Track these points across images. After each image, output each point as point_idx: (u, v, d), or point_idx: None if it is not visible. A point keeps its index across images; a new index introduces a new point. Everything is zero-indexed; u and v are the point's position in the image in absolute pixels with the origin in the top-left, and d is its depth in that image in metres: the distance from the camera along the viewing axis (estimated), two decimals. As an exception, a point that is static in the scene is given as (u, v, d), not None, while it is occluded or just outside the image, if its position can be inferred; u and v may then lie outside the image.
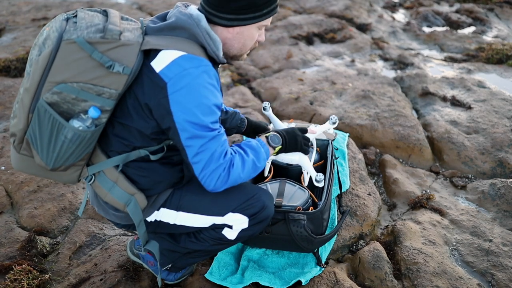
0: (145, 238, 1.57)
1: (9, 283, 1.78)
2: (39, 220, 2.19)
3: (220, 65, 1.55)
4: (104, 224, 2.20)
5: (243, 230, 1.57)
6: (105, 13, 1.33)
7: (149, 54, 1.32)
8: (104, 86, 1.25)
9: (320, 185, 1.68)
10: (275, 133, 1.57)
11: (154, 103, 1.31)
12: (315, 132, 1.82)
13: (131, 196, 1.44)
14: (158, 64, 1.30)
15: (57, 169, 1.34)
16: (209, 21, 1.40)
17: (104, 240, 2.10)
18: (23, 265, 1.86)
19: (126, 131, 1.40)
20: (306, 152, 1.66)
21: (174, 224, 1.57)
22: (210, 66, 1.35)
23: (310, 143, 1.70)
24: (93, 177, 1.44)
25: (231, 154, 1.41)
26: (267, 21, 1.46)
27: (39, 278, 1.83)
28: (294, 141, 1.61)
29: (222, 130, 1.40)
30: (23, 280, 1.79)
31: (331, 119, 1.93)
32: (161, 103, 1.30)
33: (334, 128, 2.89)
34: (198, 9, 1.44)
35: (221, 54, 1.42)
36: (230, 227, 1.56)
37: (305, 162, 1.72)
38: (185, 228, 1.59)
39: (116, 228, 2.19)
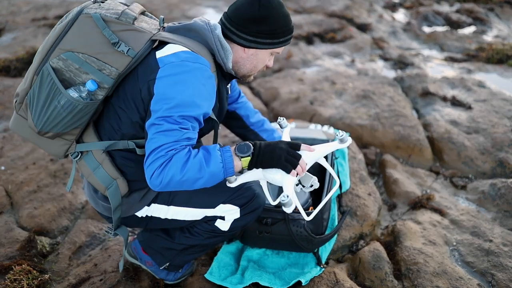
0: (117, 223, 1.55)
1: (9, 283, 1.78)
2: (39, 220, 2.19)
3: (230, 79, 1.56)
4: (104, 224, 2.20)
5: (235, 221, 1.58)
6: (127, 5, 1.41)
7: (158, 47, 1.37)
8: (106, 63, 1.31)
9: (286, 210, 1.35)
10: (247, 142, 1.37)
11: (144, 84, 1.34)
12: (312, 150, 1.43)
13: (114, 180, 1.46)
14: (161, 52, 1.35)
15: (44, 134, 1.37)
16: (228, 37, 1.44)
17: (104, 240, 2.10)
18: (23, 265, 1.86)
19: (117, 116, 1.42)
20: (287, 169, 1.37)
21: (166, 219, 1.58)
22: (207, 68, 1.34)
23: (298, 163, 1.37)
24: (80, 154, 1.47)
25: (177, 150, 1.28)
26: (280, 49, 1.49)
27: (39, 278, 1.83)
28: (271, 153, 1.36)
29: (189, 130, 1.31)
30: (23, 280, 1.79)
31: (337, 135, 1.45)
32: (149, 84, 1.33)
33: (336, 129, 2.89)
34: (218, 23, 1.47)
35: (229, 64, 1.43)
36: (223, 218, 1.57)
37: (286, 183, 1.37)
38: (177, 222, 1.60)
39: (116, 228, 2.19)
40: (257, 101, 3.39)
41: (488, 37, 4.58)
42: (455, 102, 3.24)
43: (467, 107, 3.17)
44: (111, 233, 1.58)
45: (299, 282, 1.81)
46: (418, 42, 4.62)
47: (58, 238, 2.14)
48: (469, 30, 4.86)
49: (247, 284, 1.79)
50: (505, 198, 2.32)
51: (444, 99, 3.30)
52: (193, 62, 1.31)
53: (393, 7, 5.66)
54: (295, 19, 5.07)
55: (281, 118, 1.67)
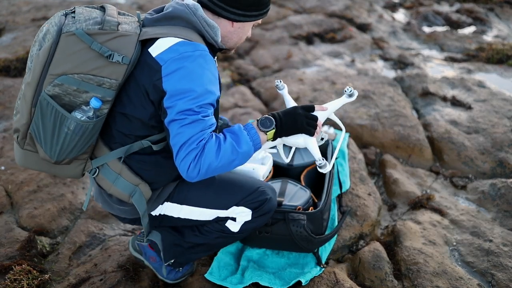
0: (148, 229, 1.57)
1: (9, 283, 1.78)
2: (39, 220, 2.19)
3: (216, 56, 1.57)
4: (104, 224, 2.20)
5: (246, 223, 1.60)
6: (102, 9, 1.36)
7: (146, 43, 1.35)
8: (104, 77, 1.28)
9: (323, 171, 1.46)
10: (267, 116, 1.42)
11: (150, 86, 1.32)
12: (325, 109, 1.55)
13: (136, 186, 1.46)
14: (155, 50, 1.32)
15: (61, 162, 1.35)
16: (215, 13, 1.42)
17: (104, 240, 2.10)
18: (23, 265, 1.86)
19: (127, 121, 1.41)
20: (310, 133, 1.46)
21: (179, 218, 1.60)
22: (206, 51, 1.36)
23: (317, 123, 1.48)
24: (97, 170, 1.46)
25: (206, 139, 1.31)
26: (260, 20, 1.53)
27: (39, 278, 1.83)
28: (293, 121, 1.43)
29: (210, 116, 1.34)
30: (23, 280, 1.79)
31: (346, 90, 1.57)
32: (156, 84, 1.31)
33: (334, 128, 2.89)
34: (196, 1, 1.46)
35: (219, 39, 1.45)
36: (234, 219, 1.59)
37: (311, 144, 1.49)
38: (189, 222, 1.61)
39: (116, 228, 2.19)
40: (257, 101, 3.39)
41: (488, 37, 4.58)
42: (455, 102, 3.24)
43: (467, 107, 3.17)
44: (143, 241, 1.59)
45: (299, 282, 1.81)
46: (418, 42, 4.62)
47: (58, 238, 2.14)
48: (469, 30, 4.86)
49: (247, 284, 1.79)
50: (505, 198, 2.32)
51: (444, 99, 3.30)
52: (193, 51, 1.31)
53: (393, 7, 5.66)
54: (295, 19, 5.07)
55: (278, 80, 1.71)
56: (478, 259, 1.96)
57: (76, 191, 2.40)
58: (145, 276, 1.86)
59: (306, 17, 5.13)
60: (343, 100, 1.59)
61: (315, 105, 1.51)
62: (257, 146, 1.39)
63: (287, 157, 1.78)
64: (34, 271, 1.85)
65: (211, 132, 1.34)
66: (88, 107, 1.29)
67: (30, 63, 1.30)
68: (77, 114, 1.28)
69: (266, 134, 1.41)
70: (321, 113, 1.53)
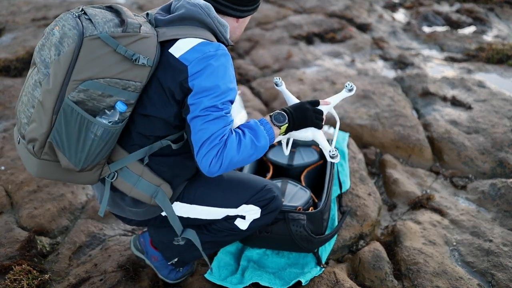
0: (180, 227, 1.56)
1: (9, 283, 1.78)
2: (39, 220, 2.19)
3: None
4: (104, 224, 2.20)
5: (254, 220, 1.63)
6: (110, 9, 1.34)
7: (165, 43, 1.35)
8: (130, 80, 1.27)
9: (335, 161, 1.52)
10: (279, 111, 1.49)
11: (176, 86, 1.33)
12: (329, 103, 1.65)
13: (157, 187, 1.46)
14: (177, 51, 1.33)
15: (85, 169, 1.33)
16: (221, 12, 1.46)
17: (104, 240, 2.10)
18: (23, 265, 1.86)
19: (147, 122, 1.41)
20: (318, 126, 1.55)
21: (188, 218, 1.60)
22: (226, 50, 1.39)
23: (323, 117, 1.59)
24: (116, 174, 1.44)
25: (227, 135, 1.35)
26: None
27: (39, 278, 1.83)
28: (303, 116, 1.52)
29: (230, 113, 1.38)
30: (23, 280, 1.79)
31: (347, 86, 1.69)
32: (182, 84, 1.32)
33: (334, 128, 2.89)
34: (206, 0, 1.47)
35: (229, 37, 1.49)
36: (243, 217, 1.62)
37: (319, 137, 1.57)
38: (198, 221, 1.62)
39: (116, 228, 2.19)
40: (257, 101, 3.39)
41: (488, 37, 4.58)
42: (455, 102, 3.24)
43: (467, 107, 3.17)
44: (179, 240, 1.59)
45: (299, 282, 1.81)
46: (418, 42, 4.62)
47: (58, 238, 2.14)
48: (469, 30, 4.86)
49: (247, 284, 1.79)
50: (505, 198, 2.32)
51: (444, 99, 3.30)
52: (215, 50, 1.34)
53: (393, 7, 5.66)
54: (295, 19, 5.07)
55: (277, 77, 1.78)
56: (478, 259, 1.96)
57: (76, 191, 2.40)
58: (145, 276, 1.86)
59: (306, 17, 5.13)
60: (344, 94, 1.69)
61: (319, 100, 1.59)
62: (271, 140, 1.44)
63: (286, 149, 1.87)
64: (34, 271, 1.85)
65: (230, 128, 1.37)
66: (112, 111, 1.27)
67: (44, 68, 1.25)
68: (104, 119, 1.26)
69: (280, 129, 1.47)
70: (325, 107, 1.61)
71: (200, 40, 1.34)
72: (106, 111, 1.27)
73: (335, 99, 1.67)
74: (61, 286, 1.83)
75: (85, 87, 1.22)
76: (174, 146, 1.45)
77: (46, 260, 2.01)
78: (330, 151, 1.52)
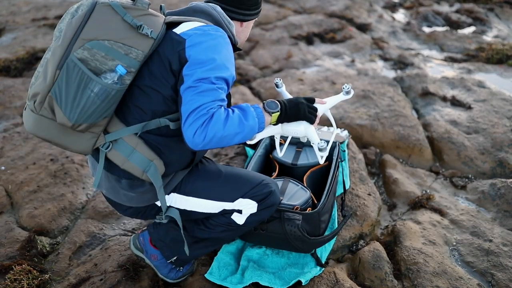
0: (165, 205, 1.57)
1: (9, 283, 1.78)
2: (39, 220, 2.19)
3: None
4: (104, 224, 2.20)
5: (251, 215, 1.63)
6: None
7: (171, 27, 1.45)
8: (132, 46, 1.34)
9: (323, 154, 1.56)
10: (272, 100, 1.53)
11: (174, 56, 1.40)
12: (324, 103, 1.66)
13: (151, 161, 1.47)
14: (180, 29, 1.43)
15: (78, 126, 1.36)
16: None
17: (104, 240, 2.10)
18: (23, 265, 1.86)
19: (146, 95, 1.44)
20: (311, 120, 1.58)
21: (185, 210, 1.61)
22: (227, 36, 1.47)
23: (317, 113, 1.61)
24: (110, 144, 1.46)
25: (215, 109, 1.35)
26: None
27: (39, 278, 1.83)
28: (296, 108, 1.55)
29: (223, 92, 1.39)
30: (23, 280, 1.79)
31: (344, 88, 1.68)
32: (180, 53, 1.39)
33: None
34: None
35: (235, 36, 1.59)
36: (240, 212, 1.62)
37: (311, 132, 1.58)
38: (194, 214, 1.63)
39: (116, 228, 2.19)
40: (257, 101, 3.39)
41: (488, 37, 4.58)
42: (455, 102, 3.24)
43: (467, 107, 3.17)
44: (162, 218, 1.59)
45: (299, 282, 1.81)
46: (418, 42, 4.62)
47: (58, 238, 2.14)
48: (469, 30, 4.86)
49: (247, 284, 1.79)
50: (505, 198, 2.32)
51: (444, 99, 3.30)
52: (215, 31, 1.43)
53: (393, 7, 5.66)
54: (295, 19, 5.07)
55: (278, 78, 1.79)
56: (478, 259, 1.96)
57: (76, 191, 2.41)
58: (145, 276, 1.86)
59: (306, 17, 5.13)
60: (341, 96, 1.70)
61: (315, 98, 1.63)
62: (261, 125, 1.46)
63: (281, 151, 1.90)
64: (34, 271, 1.85)
65: (221, 106, 1.38)
66: (113, 74, 1.33)
67: (58, 32, 1.35)
68: (103, 79, 1.33)
69: (271, 116, 1.50)
70: (320, 106, 1.64)
71: (201, 23, 1.45)
72: (107, 74, 1.33)
73: (332, 101, 1.68)
74: (61, 286, 1.83)
75: (90, 46, 1.31)
76: (172, 126, 1.46)
77: (46, 260, 2.01)
78: (318, 143, 1.55)
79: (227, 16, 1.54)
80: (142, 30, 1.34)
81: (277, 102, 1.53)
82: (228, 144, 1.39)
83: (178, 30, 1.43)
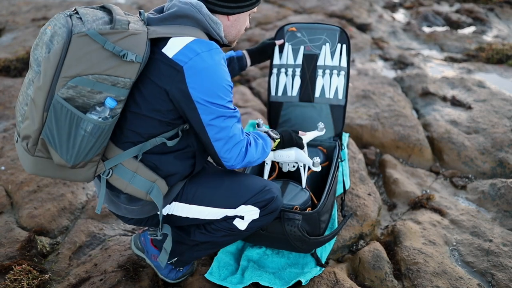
0: (162, 223, 1.59)
1: (9, 283, 1.78)
2: (39, 220, 2.19)
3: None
4: (104, 224, 2.20)
5: (253, 221, 1.62)
6: (103, 9, 1.35)
7: (157, 42, 1.36)
8: (119, 76, 1.27)
9: (317, 169, 1.83)
10: (272, 129, 1.75)
11: (172, 87, 1.35)
12: (305, 135, 1.94)
13: (153, 183, 1.46)
14: (170, 50, 1.35)
15: (77, 165, 1.34)
16: (210, 10, 1.48)
17: (104, 240, 2.10)
18: (23, 265, 1.86)
19: (140, 120, 1.41)
20: (301, 146, 1.82)
21: (187, 217, 1.60)
22: (219, 49, 1.42)
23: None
24: (111, 171, 1.45)
25: (247, 134, 1.54)
26: (256, 8, 1.59)
27: (39, 278, 1.83)
28: (289, 136, 1.78)
29: (236, 109, 1.46)
30: (23, 280, 1.79)
31: (319, 125, 2.00)
32: (179, 87, 1.34)
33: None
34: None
35: (223, 35, 1.51)
36: (242, 217, 1.61)
37: (301, 155, 1.84)
38: (196, 221, 1.62)
39: (116, 228, 2.19)
40: (257, 101, 3.39)
41: (488, 37, 4.59)
42: (455, 102, 3.24)
43: (467, 107, 3.17)
44: (156, 235, 1.60)
45: (299, 282, 1.81)
46: (418, 42, 4.62)
47: (58, 238, 2.14)
48: (469, 30, 4.86)
49: (247, 284, 1.79)
50: (505, 198, 2.32)
51: (444, 99, 3.30)
52: (209, 50, 1.37)
53: (393, 7, 5.66)
54: (295, 19, 5.07)
55: (259, 119, 1.98)
56: (478, 259, 1.96)
57: (76, 191, 2.41)
58: (145, 276, 1.86)
59: (306, 17, 5.13)
60: (316, 133, 1.98)
61: (298, 131, 1.88)
62: (269, 150, 1.66)
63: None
64: (34, 271, 1.85)
65: (248, 134, 1.56)
66: (102, 107, 1.28)
67: (36, 67, 1.27)
68: (94, 115, 1.27)
69: (274, 142, 1.71)
70: (304, 137, 1.91)
71: (192, 38, 1.37)
72: (97, 107, 1.28)
73: (310, 135, 1.95)
74: (61, 286, 1.83)
75: (74, 83, 1.23)
76: (169, 143, 1.45)
77: (46, 260, 2.01)
78: (313, 162, 1.83)
79: (212, 17, 1.45)
80: (126, 58, 1.25)
81: (276, 132, 1.74)
82: (253, 165, 1.61)
83: (168, 51, 1.34)
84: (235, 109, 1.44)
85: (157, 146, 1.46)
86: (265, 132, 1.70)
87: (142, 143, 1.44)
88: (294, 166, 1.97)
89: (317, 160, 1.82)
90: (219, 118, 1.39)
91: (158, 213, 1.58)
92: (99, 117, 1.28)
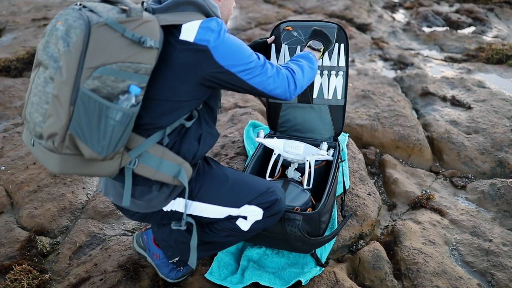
0: (187, 210, 1.59)
1: (9, 283, 1.78)
2: (39, 220, 2.19)
3: None
4: (104, 224, 2.20)
5: (256, 222, 1.62)
6: (106, 1, 1.35)
7: (170, 32, 1.38)
8: (141, 62, 1.28)
9: (329, 156, 1.94)
10: (312, 39, 1.82)
11: (204, 69, 1.39)
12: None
13: (179, 166, 1.47)
14: (188, 35, 1.38)
15: (108, 156, 1.32)
16: None
17: (104, 240, 2.10)
18: (23, 265, 1.86)
19: (161, 106, 1.42)
20: (330, 43, 1.90)
21: (190, 215, 1.60)
22: (223, 21, 1.47)
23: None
24: (136, 160, 1.44)
25: (284, 66, 1.59)
26: None
27: (39, 278, 1.83)
28: (325, 35, 1.86)
29: (259, 54, 1.54)
30: (23, 280, 1.79)
31: (321, 146, 2.05)
32: (210, 63, 1.39)
33: None
34: None
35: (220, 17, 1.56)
36: (245, 218, 1.61)
37: (310, 147, 1.91)
38: (199, 219, 1.62)
39: (116, 228, 2.19)
40: (257, 101, 3.39)
41: (488, 37, 4.59)
42: (455, 102, 3.25)
43: (467, 107, 3.17)
44: (180, 225, 1.58)
45: (299, 282, 1.81)
46: (418, 42, 4.62)
47: (58, 238, 2.14)
48: (468, 30, 4.86)
49: (247, 284, 1.79)
50: (505, 198, 2.32)
51: (444, 99, 3.30)
52: (218, 24, 1.41)
53: (393, 7, 5.66)
54: (295, 19, 5.07)
55: (261, 131, 2.04)
56: (478, 259, 1.96)
57: (76, 191, 2.41)
58: (145, 276, 1.86)
59: (306, 17, 5.13)
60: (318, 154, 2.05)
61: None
62: (317, 64, 1.75)
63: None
64: (34, 271, 1.86)
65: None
66: (126, 95, 1.28)
67: (54, 63, 1.24)
68: (120, 104, 1.27)
69: (320, 52, 1.81)
70: (310, 158, 2.01)
71: (201, 20, 1.40)
72: (120, 96, 1.28)
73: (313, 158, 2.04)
74: (61, 286, 1.83)
75: (99, 73, 1.22)
76: (187, 124, 1.47)
77: (46, 260, 2.01)
78: (327, 152, 1.92)
79: (211, 1, 1.48)
80: (146, 44, 1.27)
81: (317, 40, 1.82)
82: (309, 84, 1.69)
83: (187, 36, 1.37)
84: (257, 55, 1.51)
85: (176, 129, 1.48)
86: (307, 46, 1.80)
87: (163, 128, 1.45)
88: (299, 177, 2.05)
89: (325, 145, 1.93)
90: (254, 70, 1.46)
91: (164, 208, 1.57)
92: (128, 105, 1.28)
